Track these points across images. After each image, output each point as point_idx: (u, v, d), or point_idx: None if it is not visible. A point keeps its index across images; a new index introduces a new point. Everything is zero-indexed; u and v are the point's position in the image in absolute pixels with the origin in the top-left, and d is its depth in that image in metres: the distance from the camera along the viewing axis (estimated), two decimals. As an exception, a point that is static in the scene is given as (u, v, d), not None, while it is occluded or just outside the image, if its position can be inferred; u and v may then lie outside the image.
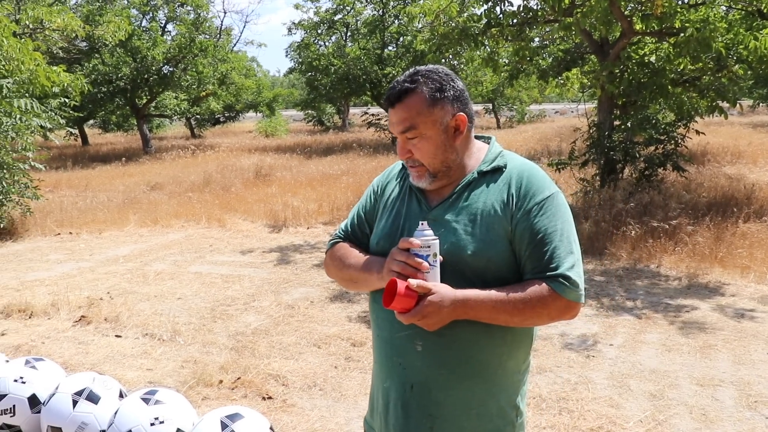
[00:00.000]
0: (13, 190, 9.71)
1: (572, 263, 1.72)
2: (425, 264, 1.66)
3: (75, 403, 1.94)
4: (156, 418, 1.84)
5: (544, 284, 1.69)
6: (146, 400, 1.86)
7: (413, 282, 1.62)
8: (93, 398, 1.95)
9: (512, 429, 1.84)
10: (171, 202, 12.18)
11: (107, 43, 19.91)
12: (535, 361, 4.80)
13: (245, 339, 5.37)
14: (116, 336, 5.50)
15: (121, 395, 2.05)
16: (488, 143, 1.91)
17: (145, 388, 1.99)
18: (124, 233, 10.06)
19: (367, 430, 2.03)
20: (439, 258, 1.69)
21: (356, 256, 1.95)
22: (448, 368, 1.77)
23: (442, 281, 1.70)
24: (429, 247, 1.66)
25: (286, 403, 4.23)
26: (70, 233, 10.09)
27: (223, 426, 1.82)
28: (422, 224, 1.70)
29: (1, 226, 9.72)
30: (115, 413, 1.89)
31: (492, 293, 1.68)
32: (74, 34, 12.49)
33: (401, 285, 1.60)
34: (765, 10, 8.67)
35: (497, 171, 1.82)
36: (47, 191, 13.31)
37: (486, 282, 1.71)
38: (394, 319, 1.73)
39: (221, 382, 4.50)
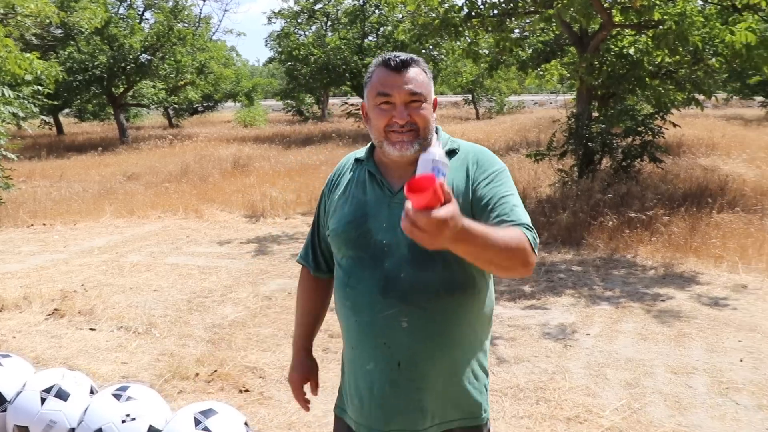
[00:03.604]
0: (-17, 179, 9.56)
1: (528, 219, 1.84)
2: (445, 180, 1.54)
3: (43, 400, 1.89)
4: (127, 415, 1.80)
5: (521, 229, 1.76)
6: (118, 397, 1.82)
7: (445, 185, 1.50)
8: (62, 395, 1.89)
9: (485, 389, 2.01)
10: (148, 193, 12.06)
11: (83, 30, 19.59)
12: (513, 351, 4.83)
13: (222, 331, 5.33)
14: (90, 329, 5.43)
15: (92, 391, 2.00)
16: (437, 131, 2.00)
17: (117, 383, 1.95)
18: (100, 224, 9.94)
19: (340, 415, 2.08)
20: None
21: (299, 314, 2.24)
22: (433, 340, 1.86)
23: (420, 257, 1.80)
24: (447, 165, 1.60)
25: (263, 396, 4.22)
26: (44, 224, 9.95)
27: (197, 422, 1.79)
28: (434, 146, 1.65)
29: (-27, 217, 9.58)
30: (86, 410, 1.85)
31: (487, 228, 1.66)
32: (48, 21, 12.28)
33: (438, 182, 1.45)
34: (739, 5, 8.74)
35: (452, 153, 1.95)
36: (20, 181, 13.13)
37: (451, 254, 1.65)
38: (374, 300, 1.84)
39: (197, 375, 4.47)
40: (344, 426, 2.05)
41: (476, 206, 1.85)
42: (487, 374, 2.03)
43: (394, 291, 1.85)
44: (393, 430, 1.92)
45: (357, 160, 2.05)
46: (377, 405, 1.91)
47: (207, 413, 1.87)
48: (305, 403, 2.24)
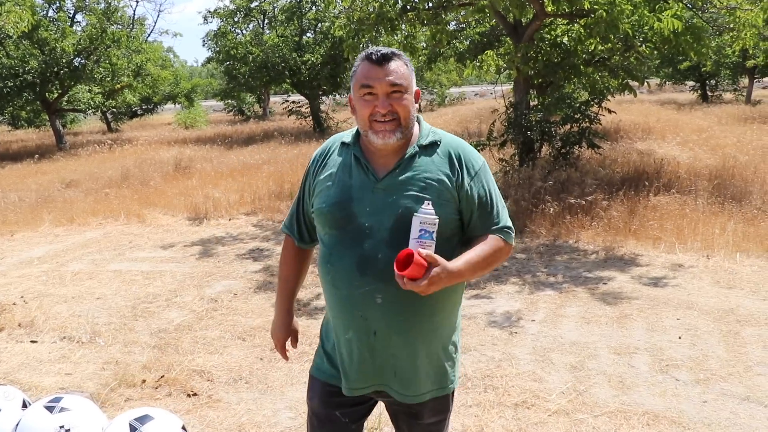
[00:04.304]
0: None
1: (507, 215, 2.19)
2: (431, 243, 1.93)
3: (-28, 416, 1.84)
4: (61, 427, 1.76)
5: (497, 236, 2.12)
6: (50, 408, 1.78)
7: (423, 252, 1.88)
8: (-8, 410, 1.85)
9: (453, 364, 2.23)
10: (87, 200, 11.77)
11: (10, 35, 18.95)
12: (460, 341, 4.88)
13: (168, 336, 5.26)
14: (32, 341, 5.28)
15: (25, 405, 1.95)
16: (418, 122, 2.19)
17: (50, 395, 1.91)
18: (38, 234, 9.66)
19: (315, 375, 2.30)
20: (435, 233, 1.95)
21: (282, 279, 2.46)
22: (405, 315, 2.06)
23: (397, 240, 1.99)
24: (434, 224, 1.93)
25: (211, 399, 4.17)
26: (-21, 236, 9.63)
27: (132, 429, 1.76)
28: (427, 204, 1.95)
29: None
30: (17, 425, 1.80)
31: (471, 257, 2.02)
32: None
33: (417, 255, 1.86)
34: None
35: (434, 145, 2.13)
36: (-48, 193, 12.67)
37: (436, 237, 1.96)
38: (352, 277, 2.05)
39: (144, 381, 4.40)
40: (318, 383, 2.28)
41: (462, 200, 2.08)
42: (457, 349, 2.25)
43: (371, 270, 2.03)
44: (370, 389, 2.17)
45: (344, 143, 2.20)
46: (356, 369, 2.13)
47: (143, 419, 1.85)
48: (286, 355, 2.53)
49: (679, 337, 4.77)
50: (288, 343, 2.53)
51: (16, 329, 5.55)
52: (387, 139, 2.04)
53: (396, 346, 2.09)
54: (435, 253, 1.92)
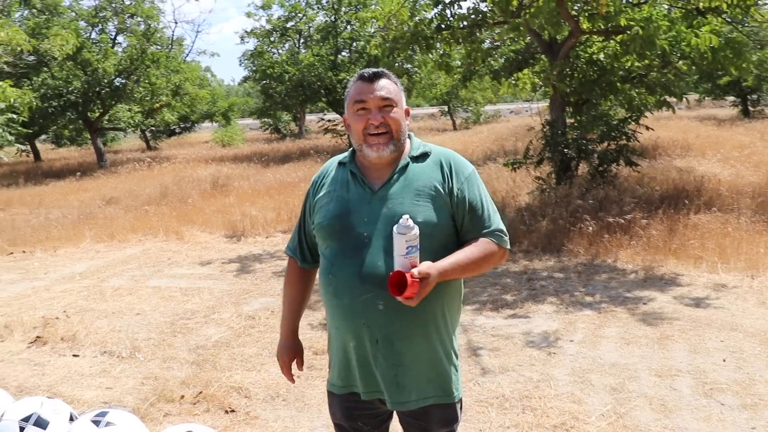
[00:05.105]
0: (-39, 210, 9.45)
1: (499, 219, 2.26)
2: (416, 255, 2.02)
3: (22, 429, 1.88)
4: (108, 440, 1.80)
5: (489, 239, 2.19)
6: (97, 422, 1.81)
7: (415, 272, 1.98)
8: (41, 423, 1.88)
9: (456, 370, 2.28)
10: (127, 216, 11.99)
11: (55, 56, 19.51)
12: (498, 361, 4.84)
13: (206, 352, 5.30)
14: (74, 355, 5.38)
15: (71, 418, 1.99)
16: (410, 138, 2.32)
17: (97, 409, 1.94)
18: (80, 250, 9.86)
19: (330, 389, 2.40)
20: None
21: (287, 301, 2.52)
22: (406, 320, 2.13)
23: (390, 245, 2.06)
24: (416, 238, 2.02)
25: (249, 416, 4.19)
26: (24, 252, 9.86)
27: (175, 444, 1.79)
28: (405, 218, 2.02)
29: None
30: (65, 438, 1.84)
31: (459, 258, 2.11)
32: (19, 48, 12.21)
33: (409, 277, 1.95)
34: (702, 8, 8.89)
35: (425, 156, 2.26)
36: (-2, 210, 13.01)
37: (431, 244, 2.11)
38: (354, 286, 2.13)
39: (183, 397, 4.44)
40: (336, 398, 2.37)
41: (455, 205, 2.19)
42: (457, 356, 2.30)
43: (372, 277, 2.11)
44: (374, 398, 2.25)
45: (340, 163, 2.34)
46: (360, 377, 2.23)
47: (186, 436, 1.87)
48: (292, 377, 2.57)
49: (724, 360, 4.66)
50: (294, 366, 2.57)
51: (59, 343, 5.66)
52: (381, 152, 2.18)
53: (397, 355, 2.17)
54: (429, 260, 2.04)
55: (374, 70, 2.23)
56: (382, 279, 2.07)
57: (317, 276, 2.38)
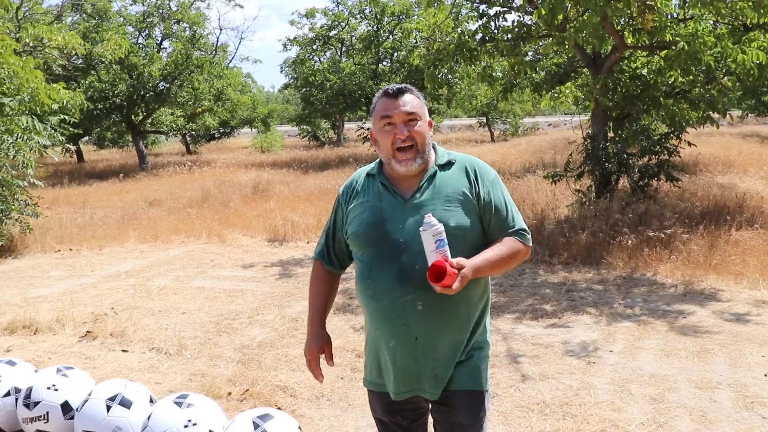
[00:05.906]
0: (13, 207, 9.76)
1: (521, 218, 2.41)
2: (446, 248, 2.13)
3: (108, 408, 2.02)
4: (189, 421, 1.93)
5: (514, 238, 2.34)
6: (179, 404, 1.95)
7: (455, 261, 2.12)
8: (126, 403, 2.03)
9: (486, 364, 2.41)
10: (170, 218, 12.25)
11: (104, 60, 20.02)
12: (537, 368, 4.90)
13: (251, 352, 5.45)
14: (123, 351, 5.57)
15: (151, 401, 2.13)
16: (434, 148, 2.45)
17: (176, 393, 2.08)
18: (125, 249, 10.12)
19: (371, 388, 2.48)
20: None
21: (313, 296, 2.62)
22: (444, 318, 2.27)
23: (425, 244, 2.17)
24: (442, 232, 2.14)
25: (294, 414, 4.30)
26: (70, 250, 10.16)
27: (255, 426, 1.91)
28: (427, 216, 2.16)
29: (0, 244, 9.77)
30: (149, 417, 1.98)
31: (489, 255, 2.26)
32: (73, 52, 12.59)
33: (448, 266, 2.08)
34: (750, 24, 8.85)
35: (450, 164, 2.40)
36: (45, 208, 13.37)
37: (464, 246, 2.25)
38: (393, 288, 2.26)
39: (230, 394, 4.58)
40: (376, 395, 2.47)
41: (482, 208, 2.33)
42: (488, 346, 2.45)
43: (411, 280, 2.24)
44: (414, 393, 2.35)
45: (369, 174, 2.47)
46: (401, 374, 2.33)
47: (264, 417, 2.00)
48: (320, 373, 2.58)
49: (765, 375, 4.67)
50: (323, 361, 2.59)
51: (108, 338, 5.85)
52: (409, 167, 2.32)
53: (435, 350, 2.30)
54: (459, 256, 2.17)
55: (398, 86, 2.36)
56: (421, 281, 2.19)
57: (354, 281, 2.47)
